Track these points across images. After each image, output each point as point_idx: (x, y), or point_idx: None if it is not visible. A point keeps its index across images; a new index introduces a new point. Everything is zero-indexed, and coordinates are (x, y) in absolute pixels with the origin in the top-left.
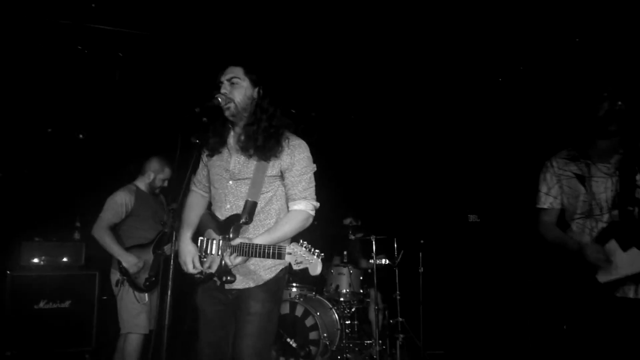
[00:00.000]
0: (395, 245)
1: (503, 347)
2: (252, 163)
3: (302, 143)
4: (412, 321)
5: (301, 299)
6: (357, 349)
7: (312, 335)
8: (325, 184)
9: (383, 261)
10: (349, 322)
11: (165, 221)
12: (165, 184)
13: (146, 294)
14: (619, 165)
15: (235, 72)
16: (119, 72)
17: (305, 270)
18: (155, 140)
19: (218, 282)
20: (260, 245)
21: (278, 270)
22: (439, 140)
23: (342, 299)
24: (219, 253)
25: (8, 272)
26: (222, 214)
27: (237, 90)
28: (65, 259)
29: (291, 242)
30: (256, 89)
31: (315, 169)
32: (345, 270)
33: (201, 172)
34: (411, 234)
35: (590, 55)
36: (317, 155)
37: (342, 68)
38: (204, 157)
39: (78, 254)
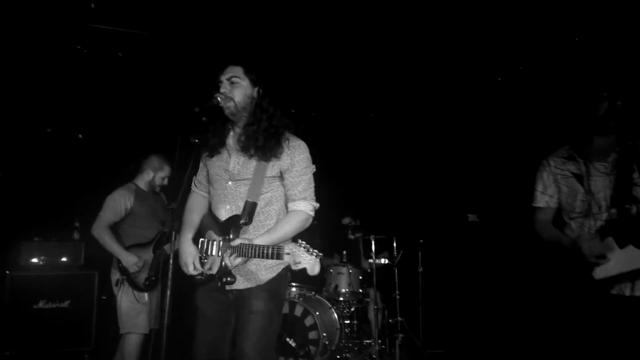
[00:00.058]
0: (395, 244)
1: (502, 345)
2: (252, 164)
3: (302, 144)
4: (412, 321)
5: (300, 299)
6: (356, 348)
7: (312, 334)
8: (325, 184)
9: (382, 261)
10: (349, 321)
11: (165, 220)
12: (165, 182)
13: (146, 294)
14: (617, 163)
15: (235, 72)
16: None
17: (304, 270)
18: (154, 140)
19: (219, 283)
20: (260, 245)
21: (279, 270)
22: (438, 140)
23: (341, 299)
24: (219, 254)
25: (7, 272)
26: (222, 214)
27: (237, 90)
28: (64, 259)
29: (290, 242)
30: (256, 89)
31: (315, 169)
32: (344, 269)
33: (201, 173)
34: (410, 234)
35: (589, 55)
36: (317, 155)
37: (341, 68)
38: (204, 157)
39: (77, 253)
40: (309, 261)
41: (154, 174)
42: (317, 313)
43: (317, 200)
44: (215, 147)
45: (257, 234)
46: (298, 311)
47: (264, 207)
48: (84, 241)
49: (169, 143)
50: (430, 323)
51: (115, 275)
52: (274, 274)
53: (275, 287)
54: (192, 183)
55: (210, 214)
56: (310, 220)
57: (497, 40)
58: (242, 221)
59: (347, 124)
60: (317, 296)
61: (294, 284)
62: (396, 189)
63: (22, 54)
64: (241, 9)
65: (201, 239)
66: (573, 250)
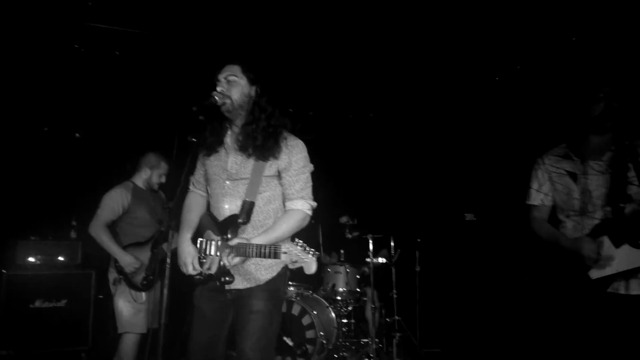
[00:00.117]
0: (392, 243)
1: (499, 344)
2: (250, 163)
3: (300, 143)
4: (409, 320)
5: (298, 298)
6: (353, 347)
7: (309, 334)
8: (323, 183)
9: (380, 260)
10: (346, 320)
11: (163, 219)
12: (163, 179)
13: (143, 293)
14: (612, 162)
15: (233, 70)
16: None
17: (301, 269)
18: (152, 139)
19: (217, 283)
20: (257, 245)
21: (279, 270)
22: (435, 139)
23: (338, 298)
24: (218, 254)
25: (4, 271)
26: (220, 214)
27: (234, 88)
28: (61, 258)
29: (288, 241)
30: (254, 87)
31: (313, 168)
32: (341, 268)
33: (199, 172)
34: (408, 233)
35: (586, 55)
36: (315, 154)
37: (339, 67)
38: (201, 157)
39: (74, 252)
40: (305, 260)
41: (151, 171)
42: (315, 312)
43: (315, 200)
44: (213, 146)
45: (256, 234)
46: (295, 310)
47: (262, 206)
48: (81, 240)
49: (167, 142)
50: (428, 322)
51: (113, 275)
52: (274, 274)
53: (275, 286)
54: (190, 182)
55: (209, 214)
56: (308, 219)
57: (495, 40)
58: (240, 220)
59: (345, 123)
60: (315, 295)
61: (291, 283)
62: (394, 188)
63: (19, 52)
64: (239, 8)
65: (200, 239)
66: (571, 251)
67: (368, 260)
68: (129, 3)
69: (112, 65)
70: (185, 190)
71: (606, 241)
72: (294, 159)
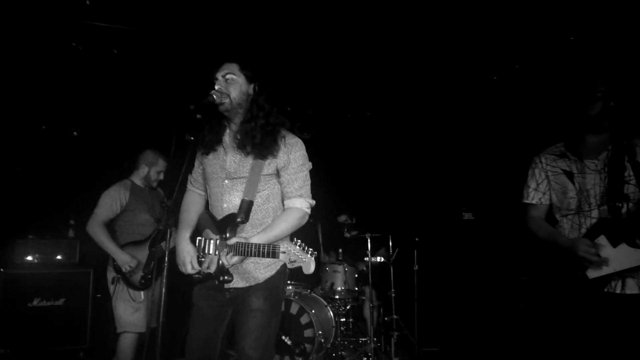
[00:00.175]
0: (390, 243)
1: (497, 344)
2: (248, 162)
3: (298, 141)
4: (407, 318)
5: (296, 297)
6: (351, 346)
7: (307, 332)
8: (321, 182)
9: (378, 259)
10: (344, 319)
11: (161, 218)
12: (161, 176)
13: (142, 292)
14: (608, 161)
15: (231, 69)
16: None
17: (300, 268)
18: (150, 138)
19: (216, 282)
20: (256, 244)
21: (278, 268)
22: (434, 138)
23: (337, 297)
24: (216, 253)
25: (1, 269)
26: (218, 213)
27: (233, 86)
28: (59, 257)
29: (286, 240)
30: (252, 86)
31: (311, 166)
32: (340, 267)
33: (197, 171)
34: (406, 232)
35: (584, 54)
36: (313, 153)
37: (338, 66)
38: (200, 155)
39: (72, 251)
40: (303, 260)
41: (148, 168)
42: (313, 311)
43: (313, 199)
44: (212, 144)
45: (255, 232)
46: (294, 309)
47: (261, 205)
48: (79, 239)
49: (165, 141)
50: (426, 321)
51: (111, 274)
52: (272, 272)
53: (274, 285)
54: (188, 181)
55: (207, 212)
56: (307, 217)
57: (493, 40)
58: (238, 219)
59: (343, 122)
60: (313, 294)
61: (289, 282)
62: (392, 187)
63: (17, 50)
64: (237, 6)
65: (198, 238)
66: (568, 250)
67: (366, 259)
68: (127, 1)
69: (110, 63)
70: (183, 189)
71: (603, 240)
72: (293, 157)
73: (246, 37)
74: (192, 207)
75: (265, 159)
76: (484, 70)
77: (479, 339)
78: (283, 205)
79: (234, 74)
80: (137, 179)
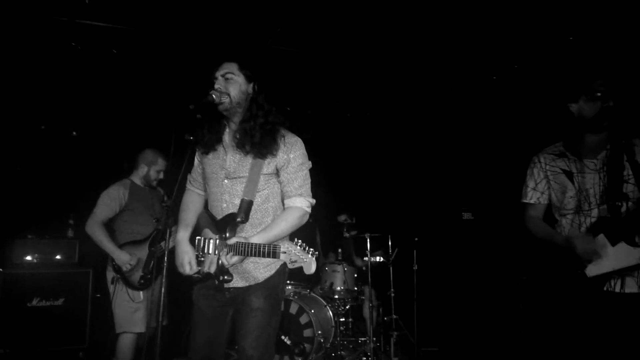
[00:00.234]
0: (390, 242)
1: (497, 343)
2: (248, 161)
3: (298, 140)
4: (406, 318)
5: (295, 297)
6: (351, 346)
7: (307, 332)
8: (322, 182)
9: (377, 259)
10: (344, 319)
11: (160, 217)
12: (161, 175)
13: (141, 292)
14: (607, 160)
15: (230, 68)
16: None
17: (300, 268)
18: (149, 138)
19: (216, 282)
20: (256, 244)
21: (277, 267)
22: (433, 138)
23: (336, 297)
24: (216, 252)
25: (1, 269)
26: (218, 212)
27: (232, 86)
28: (58, 257)
29: (287, 240)
30: (251, 85)
31: (311, 165)
32: (339, 267)
33: (196, 170)
34: (405, 232)
35: (583, 54)
36: (313, 153)
37: (337, 66)
38: (199, 155)
39: (71, 251)
40: (304, 260)
41: (148, 168)
42: (312, 311)
43: (313, 198)
44: (211, 144)
45: (254, 232)
46: (293, 309)
47: (261, 204)
48: (78, 239)
49: (164, 140)
50: (425, 321)
51: (111, 274)
52: (272, 272)
53: (274, 284)
54: (187, 181)
55: (207, 212)
56: (307, 216)
57: (493, 39)
58: (238, 219)
59: (343, 122)
60: (312, 294)
61: (289, 282)
62: (391, 187)
63: (16, 50)
64: (236, 6)
65: (197, 237)
66: (566, 249)
67: (365, 258)
68: (126, 1)
69: (109, 63)
70: (182, 189)
71: (603, 239)
72: (292, 156)
73: (245, 36)
74: (191, 206)
75: (265, 158)
76: (484, 70)
77: (479, 339)
78: (283, 204)
79: (233, 74)
80: (137, 178)
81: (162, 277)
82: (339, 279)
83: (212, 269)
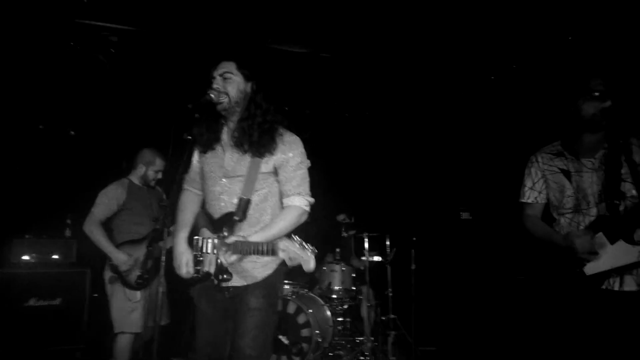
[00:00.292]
0: (388, 242)
1: (495, 343)
2: (246, 160)
3: (296, 139)
4: (404, 318)
5: (293, 296)
6: (349, 345)
7: (304, 332)
8: (321, 182)
9: (375, 258)
10: (341, 319)
11: (158, 217)
12: (159, 175)
13: (138, 292)
14: (605, 159)
15: (228, 67)
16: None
17: (299, 266)
18: (147, 137)
19: (215, 281)
20: (254, 242)
21: (275, 266)
22: (431, 138)
23: (334, 296)
24: (214, 252)
25: None
26: (216, 212)
27: (230, 85)
28: (56, 256)
29: (285, 238)
30: (249, 84)
31: (310, 164)
32: (337, 267)
33: (194, 170)
34: (403, 231)
35: (581, 54)
36: (311, 153)
37: (336, 66)
38: (197, 154)
39: (69, 251)
40: (302, 257)
41: (146, 168)
42: (310, 310)
43: (312, 197)
44: (210, 143)
45: (253, 231)
46: (291, 308)
47: (259, 203)
48: (76, 238)
49: (162, 140)
50: (423, 320)
51: (108, 274)
52: (270, 271)
53: (272, 283)
54: (185, 181)
55: (205, 212)
56: (306, 215)
57: (491, 39)
58: (236, 218)
59: (341, 122)
60: (310, 293)
61: (286, 282)
62: (389, 187)
63: (13, 49)
64: (234, 5)
65: (195, 237)
66: (565, 247)
67: (363, 258)
68: (124, 0)
69: (107, 62)
70: (181, 188)
71: (601, 237)
72: (291, 155)
73: (244, 36)
74: (188, 207)
75: (263, 157)
76: (482, 70)
77: (476, 338)
78: (282, 203)
79: (231, 73)
80: (135, 177)
81: (159, 277)
82: (337, 279)
83: (212, 269)
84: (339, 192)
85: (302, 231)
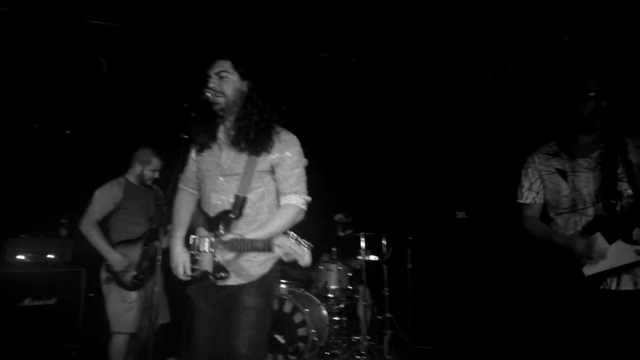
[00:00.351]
0: (384, 242)
1: (491, 342)
2: (243, 158)
3: (293, 137)
4: (400, 317)
5: (290, 295)
6: (345, 344)
7: (301, 331)
8: (318, 182)
9: (371, 257)
10: (338, 318)
11: (154, 217)
12: (156, 174)
13: (133, 292)
14: (601, 159)
15: (224, 66)
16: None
17: (295, 262)
18: (144, 136)
19: (212, 279)
20: (250, 239)
21: (271, 265)
22: (427, 138)
23: (330, 295)
24: (211, 250)
25: None
26: (212, 210)
27: (226, 84)
28: (51, 256)
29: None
30: (245, 83)
31: (307, 163)
32: (334, 266)
33: (190, 169)
34: (399, 231)
35: (576, 54)
36: (308, 152)
37: (332, 65)
38: (193, 153)
39: (65, 250)
40: (298, 252)
41: (142, 167)
42: (307, 310)
43: (309, 196)
44: (206, 142)
45: (249, 229)
46: (287, 308)
47: (256, 201)
48: (72, 238)
49: (159, 139)
50: (419, 319)
51: (104, 274)
52: (266, 270)
53: (267, 282)
54: (180, 180)
55: (201, 210)
56: (303, 213)
57: (487, 39)
58: (232, 216)
59: (338, 121)
60: (307, 293)
61: (283, 281)
62: (386, 186)
63: (9, 48)
64: (231, 4)
65: (192, 236)
66: (564, 248)
67: (359, 257)
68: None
69: (104, 61)
70: (176, 188)
71: (599, 237)
72: (287, 154)
73: (240, 35)
74: (184, 206)
75: (260, 156)
76: (479, 70)
77: (473, 337)
78: (279, 202)
79: (227, 72)
80: (131, 176)
81: (155, 277)
82: (333, 278)
83: (209, 267)
84: (335, 191)
85: (299, 230)
